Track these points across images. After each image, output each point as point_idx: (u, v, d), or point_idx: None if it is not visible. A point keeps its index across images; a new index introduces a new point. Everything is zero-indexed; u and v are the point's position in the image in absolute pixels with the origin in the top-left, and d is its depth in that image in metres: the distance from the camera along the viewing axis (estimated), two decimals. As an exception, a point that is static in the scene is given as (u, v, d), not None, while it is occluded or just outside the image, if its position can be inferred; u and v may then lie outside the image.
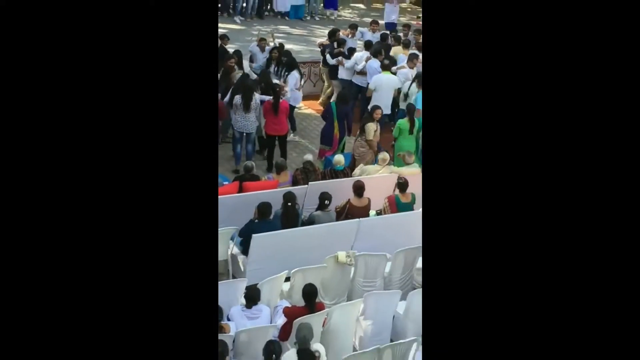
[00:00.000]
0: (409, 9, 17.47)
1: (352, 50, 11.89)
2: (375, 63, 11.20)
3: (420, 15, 17.01)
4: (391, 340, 6.30)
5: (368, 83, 11.03)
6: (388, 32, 13.32)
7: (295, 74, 10.77)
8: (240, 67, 10.77)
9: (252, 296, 6.12)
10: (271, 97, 9.83)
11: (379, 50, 11.70)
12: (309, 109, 11.46)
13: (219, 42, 11.33)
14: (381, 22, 14.04)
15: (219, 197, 7.69)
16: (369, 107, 10.36)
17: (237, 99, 9.81)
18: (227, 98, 9.95)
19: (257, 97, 9.82)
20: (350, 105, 10.48)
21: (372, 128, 9.32)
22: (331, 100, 10.43)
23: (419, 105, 9.85)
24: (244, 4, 15.31)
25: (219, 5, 15.23)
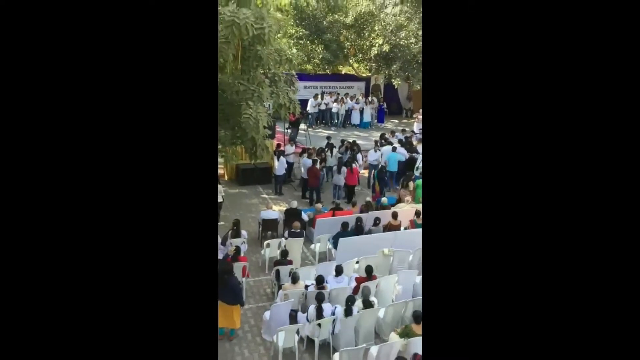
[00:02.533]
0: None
1: (390, 143, 11.83)
2: (402, 150, 11.17)
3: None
4: (412, 297, 6.12)
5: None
6: (414, 134, 13.35)
7: (359, 155, 10.93)
8: (332, 151, 11.02)
9: (339, 270, 6.05)
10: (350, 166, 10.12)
11: (406, 144, 11.69)
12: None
13: (326, 140, 11.60)
14: (408, 128, 13.95)
15: (323, 218, 7.88)
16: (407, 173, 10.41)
17: (335, 169, 10.13)
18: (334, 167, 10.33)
19: (343, 168, 10.03)
20: (386, 174, 10.40)
21: (411, 185, 9.63)
22: (375, 170, 10.63)
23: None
24: (336, 120, 15.54)
25: (323, 121, 15.51)
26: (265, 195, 10.43)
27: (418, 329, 4.88)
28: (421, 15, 13.09)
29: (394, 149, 10.85)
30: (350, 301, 5.32)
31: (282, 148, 10.79)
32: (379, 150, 10.94)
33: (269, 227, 8.10)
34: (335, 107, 15.36)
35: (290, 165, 10.85)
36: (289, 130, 12.47)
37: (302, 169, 10.32)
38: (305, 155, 10.40)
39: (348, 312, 5.29)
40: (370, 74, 17.33)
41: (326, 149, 10.98)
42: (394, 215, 7.84)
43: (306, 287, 5.89)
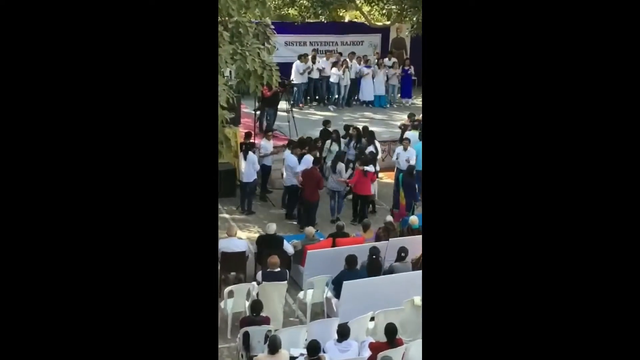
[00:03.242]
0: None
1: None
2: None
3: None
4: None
5: None
6: None
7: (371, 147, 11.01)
8: (338, 142, 11.20)
9: (343, 332, 6.05)
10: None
11: None
12: (389, 179, 11.58)
13: (322, 126, 11.85)
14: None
15: (317, 250, 7.88)
16: None
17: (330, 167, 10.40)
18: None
19: (340, 165, 10.18)
20: (416, 178, 10.22)
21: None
22: (401, 173, 10.53)
23: None
24: (337, 96, 15.57)
25: (316, 97, 15.61)
26: (225, 215, 10.46)
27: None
28: None
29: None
30: (361, 381, 5.33)
31: (252, 140, 10.83)
32: (409, 144, 10.79)
33: (231, 265, 8.09)
34: (334, 74, 15.32)
35: (265, 168, 10.85)
36: (262, 113, 12.43)
37: (286, 172, 10.31)
38: (289, 150, 10.40)
39: (359, 398, 5.33)
40: (389, 23, 17.45)
41: (330, 141, 10.98)
42: (430, 244, 7.92)
43: (293, 359, 5.93)
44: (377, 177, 10.67)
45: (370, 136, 11.29)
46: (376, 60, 15.95)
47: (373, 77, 15.63)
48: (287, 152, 10.42)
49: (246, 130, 11.33)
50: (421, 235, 8.12)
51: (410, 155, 10.61)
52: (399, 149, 10.96)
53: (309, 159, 9.98)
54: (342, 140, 11.36)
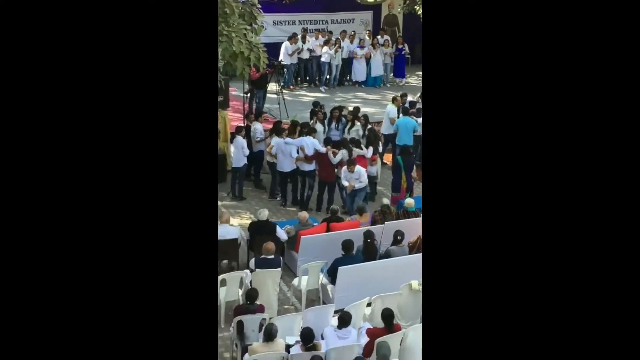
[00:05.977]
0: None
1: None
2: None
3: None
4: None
5: None
6: None
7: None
8: (323, 122, 11.04)
9: (345, 319, 6.03)
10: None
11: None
12: (386, 161, 11.45)
13: (312, 107, 11.66)
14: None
15: (311, 235, 8.07)
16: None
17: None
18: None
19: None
20: (414, 156, 10.41)
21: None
22: (397, 155, 10.26)
23: None
24: (328, 76, 15.70)
25: (307, 77, 15.70)
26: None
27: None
28: None
29: (406, 111, 11.00)
30: (360, 367, 5.30)
31: (241, 124, 10.77)
32: (355, 167, 9.49)
33: (224, 253, 8.03)
34: (325, 54, 15.42)
35: (259, 154, 10.41)
36: (252, 95, 12.34)
37: (280, 154, 9.78)
38: (285, 134, 9.91)
39: (357, 386, 5.29)
40: (380, -1, 17.31)
41: (315, 120, 10.76)
42: (427, 226, 7.88)
43: (288, 347, 5.96)
44: (376, 159, 10.40)
45: (365, 119, 11.07)
46: (370, 40, 16.05)
47: (368, 58, 15.75)
48: (279, 136, 9.98)
49: (235, 114, 11.30)
50: (417, 218, 8.30)
51: (360, 175, 9.41)
52: (344, 171, 9.55)
53: (313, 140, 9.82)
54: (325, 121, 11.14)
